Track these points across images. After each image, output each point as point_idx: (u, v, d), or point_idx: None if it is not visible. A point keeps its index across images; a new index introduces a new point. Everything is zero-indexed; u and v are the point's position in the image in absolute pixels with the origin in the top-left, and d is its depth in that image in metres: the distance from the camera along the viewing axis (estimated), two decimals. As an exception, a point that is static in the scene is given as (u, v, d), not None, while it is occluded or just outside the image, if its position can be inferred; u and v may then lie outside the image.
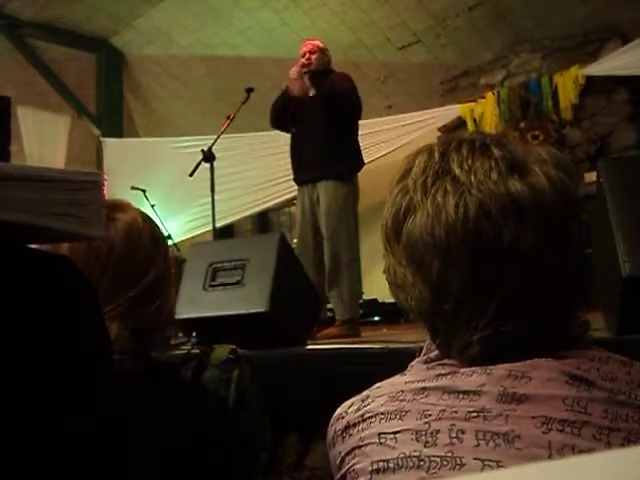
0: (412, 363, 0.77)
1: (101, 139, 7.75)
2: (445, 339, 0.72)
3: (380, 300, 5.96)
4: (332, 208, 3.59)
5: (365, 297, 6.08)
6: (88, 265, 0.97)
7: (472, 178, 0.68)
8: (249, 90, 4.23)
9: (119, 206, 1.06)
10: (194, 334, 2.68)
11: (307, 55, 3.82)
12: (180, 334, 3.04)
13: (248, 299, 2.51)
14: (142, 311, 1.00)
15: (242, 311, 2.49)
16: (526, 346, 0.67)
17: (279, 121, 3.88)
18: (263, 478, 2.17)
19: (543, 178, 0.68)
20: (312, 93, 3.77)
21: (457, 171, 0.69)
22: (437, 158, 0.72)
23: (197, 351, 2.31)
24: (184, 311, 2.61)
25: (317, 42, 3.93)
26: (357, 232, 3.78)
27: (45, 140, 7.49)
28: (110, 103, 8.06)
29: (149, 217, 1.10)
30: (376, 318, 5.83)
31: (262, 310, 2.46)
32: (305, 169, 3.76)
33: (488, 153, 0.70)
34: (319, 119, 3.67)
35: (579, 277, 0.72)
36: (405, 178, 0.73)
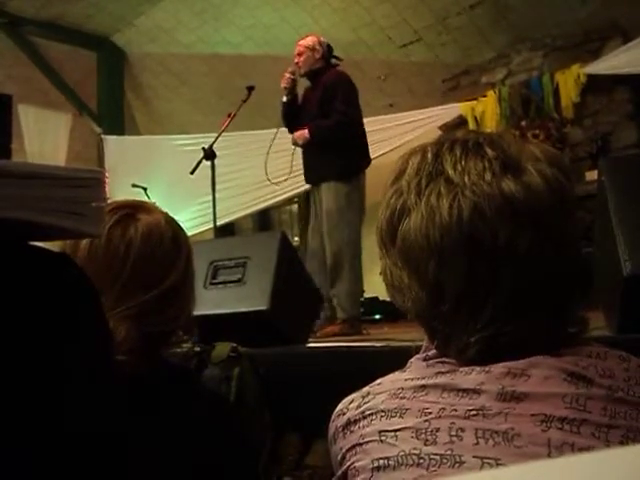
0: (411, 360, 0.78)
1: (102, 137, 7.75)
2: (443, 340, 0.72)
3: (381, 298, 5.95)
4: (332, 208, 3.61)
5: (366, 295, 6.07)
6: (105, 263, 0.97)
7: (466, 179, 0.68)
8: (250, 88, 4.23)
9: (144, 208, 1.05)
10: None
11: (296, 59, 3.84)
12: (181, 332, 3.04)
13: (249, 297, 2.51)
14: (159, 314, 0.99)
15: (243, 309, 2.49)
16: (524, 346, 0.67)
17: (293, 129, 3.91)
18: (264, 477, 2.17)
19: (537, 177, 0.68)
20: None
21: (450, 172, 0.69)
22: (430, 159, 0.71)
23: (198, 349, 2.31)
24: (185, 309, 2.61)
25: (306, 40, 3.88)
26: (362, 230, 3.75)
27: (46, 138, 7.49)
28: (111, 101, 8.05)
29: (174, 221, 1.08)
30: (377, 316, 5.83)
31: (263, 308, 2.46)
32: (309, 170, 3.80)
33: (481, 153, 0.70)
34: (316, 119, 3.70)
35: (577, 276, 0.71)
36: (399, 180, 0.73)
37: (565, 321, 0.71)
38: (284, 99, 3.84)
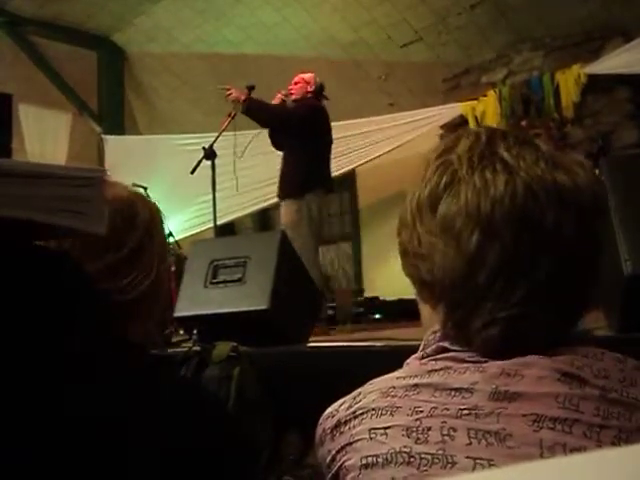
0: (408, 360, 0.77)
1: (102, 136, 7.75)
2: (464, 317, 0.71)
3: (381, 298, 5.97)
4: (283, 225, 4.02)
5: (366, 295, 6.07)
6: None
7: (521, 163, 0.69)
8: (250, 87, 4.24)
9: None
10: (195, 332, 2.69)
11: (291, 85, 4.30)
12: (181, 332, 3.05)
13: (249, 296, 2.51)
14: (111, 283, 0.99)
15: (243, 308, 2.49)
16: (543, 336, 0.68)
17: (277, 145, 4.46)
18: (264, 476, 2.17)
19: (584, 178, 0.70)
20: None
21: (505, 155, 0.70)
22: (484, 141, 0.73)
23: (198, 349, 2.31)
24: (185, 309, 2.61)
25: (305, 75, 4.34)
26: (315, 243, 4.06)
27: (46, 137, 7.49)
28: (111, 100, 8.05)
29: (139, 196, 1.08)
30: (377, 316, 5.84)
31: (263, 307, 2.45)
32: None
33: (534, 147, 0.72)
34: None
35: (598, 278, 0.73)
36: (447, 154, 0.74)
37: (572, 320, 0.72)
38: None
